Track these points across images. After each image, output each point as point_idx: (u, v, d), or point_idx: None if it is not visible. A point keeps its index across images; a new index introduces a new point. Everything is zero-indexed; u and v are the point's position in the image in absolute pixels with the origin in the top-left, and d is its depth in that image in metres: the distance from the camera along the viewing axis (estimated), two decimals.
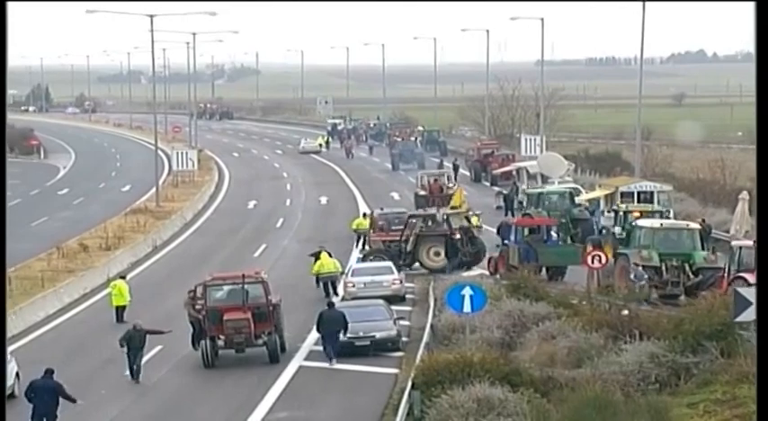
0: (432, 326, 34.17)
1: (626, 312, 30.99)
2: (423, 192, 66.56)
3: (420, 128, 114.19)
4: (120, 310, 40.44)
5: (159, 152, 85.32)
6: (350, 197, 77.07)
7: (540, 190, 58.57)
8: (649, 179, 59.92)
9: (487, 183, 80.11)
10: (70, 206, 78.13)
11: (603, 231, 48.46)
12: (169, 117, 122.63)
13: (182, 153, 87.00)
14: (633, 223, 42.06)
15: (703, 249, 39.89)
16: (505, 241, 45.82)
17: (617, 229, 45.14)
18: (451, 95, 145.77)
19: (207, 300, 33.20)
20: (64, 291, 44.96)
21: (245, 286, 33.14)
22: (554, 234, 45.69)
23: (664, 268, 39.02)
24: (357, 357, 33.02)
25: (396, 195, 74.62)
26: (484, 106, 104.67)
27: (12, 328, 39.22)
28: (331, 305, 34.17)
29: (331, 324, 32.70)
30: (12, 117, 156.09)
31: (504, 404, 24.38)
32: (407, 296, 42.09)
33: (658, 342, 27.96)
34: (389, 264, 43.66)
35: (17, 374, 30.87)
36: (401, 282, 41.79)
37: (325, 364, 32.96)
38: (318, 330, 33.10)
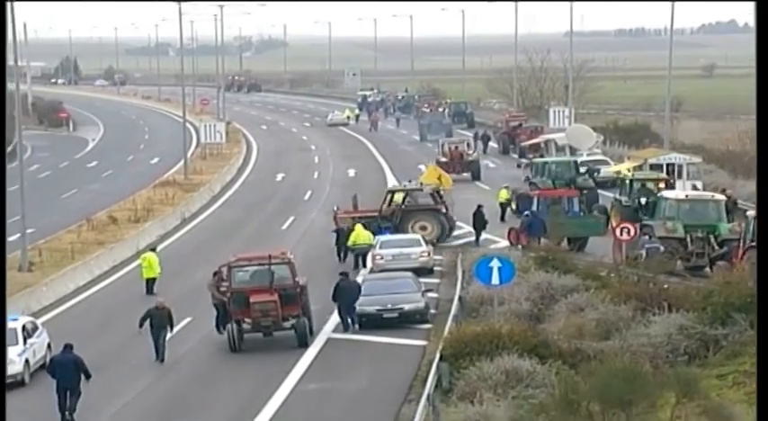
0: (460, 298, 34.21)
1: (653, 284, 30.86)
2: (444, 159, 68.61)
3: (448, 100, 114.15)
4: (150, 283, 40.70)
5: (187, 125, 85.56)
6: (378, 169, 77.08)
7: (545, 159, 59.11)
8: (678, 151, 59.70)
9: (515, 156, 79.95)
10: (99, 178, 78.48)
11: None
12: (197, 89, 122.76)
13: (210, 125, 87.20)
14: (658, 195, 42.24)
15: (728, 221, 39.86)
16: (526, 212, 45.80)
17: (623, 198, 45.70)
18: (480, 67, 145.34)
19: (231, 281, 32.24)
20: (94, 263, 45.23)
21: (271, 267, 32.19)
22: (576, 205, 45.64)
23: (689, 239, 39.04)
24: (385, 329, 33.15)
25: (423, 168, 74.55)
26: (512, 78, 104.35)
27: (42, 300, 39.58)
28: (345, 275, 34.88)
29: (347, 294, 33.36)
30: (41, 89, 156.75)
31: (532, 376, 24.46)
32: (435, 268, 42.14)
33: (687, 314, 27.95)
34: (418, 236, 43.70)
35: (49, 345, 31.17)
36: (429, 254, 41.83)
37: (353, 336, 33.11)
38: (334, 300, 33.67)
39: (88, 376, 26.50)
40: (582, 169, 56.59)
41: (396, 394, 27.00)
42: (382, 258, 41.05)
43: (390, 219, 46.36)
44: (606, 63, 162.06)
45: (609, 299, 30.57)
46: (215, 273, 33.39)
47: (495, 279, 29.55)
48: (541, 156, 66.85)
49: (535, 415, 19.33)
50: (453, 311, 32.61)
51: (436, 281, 40.17)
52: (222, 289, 32.58)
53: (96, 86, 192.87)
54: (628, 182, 47.31)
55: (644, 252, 37.73)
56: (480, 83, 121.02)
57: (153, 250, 42.66)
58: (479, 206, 48.39)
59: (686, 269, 38.01)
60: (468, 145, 72.70)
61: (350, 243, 42.91)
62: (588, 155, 64.53)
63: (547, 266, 35.39)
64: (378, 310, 33.71)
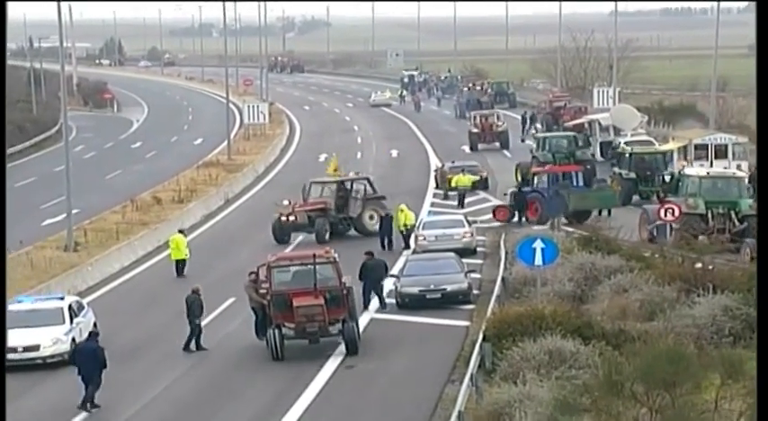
0: (503, 278, 34.20)
1: (699, 265, 30.82)
2: (475, 130, 74.15)
3: (490, 80, 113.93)
4: (179, 264, 40.55)
5: (230, 105, 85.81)
6: (421, 150, 77.04)
7: (546, 134, 62.89)
8: (724, 131, 59.26)
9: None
10: (143, 159, 78.94)
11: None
12: (240, 70, 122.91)
13: (253, 106, 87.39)
14: (681, 172, 43.25)
15: (750, 197, 40.25)
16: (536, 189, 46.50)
17: (623, 171, 49.68)
18: (523, 47, 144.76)
19: (272, 283, 29.37)
20: (138, 243, 45.53)
21: (315, 267, 29.28)
22: (581, 179, 46.21)
23: (710, 216, 39.67)
24: (428, 310, 33.20)
25: (467, 148, 74.44)
26: (556, 58, 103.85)
27: (88, 280, 39.92)
28: (371, 254, 34.96)
29: (373, 272, 33.88)
30: (86, 70, 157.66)
31: (575, 356, 24.42)
32: (478, 249, 42.12)
33: (732, 295, 27.82)
34: (461, 217, 43.68)
35: (95, 324, 31.42)
36: (472, 234, 41.81)
37: (396, 316, 33.18)
38: (361, 278, 33.74)
39: (104, 366, 25.87)
40: (580, 143, 59.37)
41: (439, 374, 27.05)
42: (425, 239, 41.07)
43: (342, 210, 45.68)
44: (651, 42, 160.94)
45: (653, 280, 30.48)
46: (251, 273, 30.90)
47: (539, 260, 29.50)
48: (586, 136, 66.67)
49: (578, 395, 19.28)
50: (496, 292, 32.61)
51: (479, 261, 40.16)
52: (261, 291, 30.00)
53: (140, 67, 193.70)
54: (627, 155, 50.80)
55: (654, 229, 38.55)
56: (524, 63, 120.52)
57: (181, 232, 42.39)
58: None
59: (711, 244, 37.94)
60: (498, 116, 76.63)
61: (400, 224, 43.04)
62: (632, 135, 64.19)
63: (590, 247, 35.29)
64: (421, 291, 33.75)
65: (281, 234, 45.31)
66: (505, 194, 49.13)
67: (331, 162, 53.70)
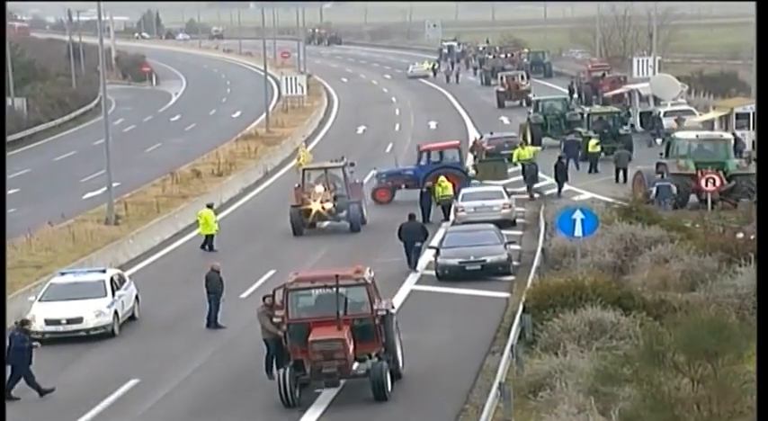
0: (543, 250, 34.17)
1: (741, 235, 30.69)
2: (502, 89, 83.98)
3: (526, 50, 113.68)
4: (208, 239, 40.28)
5: (268, 78, 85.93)
6: (459, 121, 76.94)
7: (539, 97, 68.19)
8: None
9: (598, 106, 79.36)
10: (182, 132, 79.26)
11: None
12: (278, 43, 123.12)
13: (291, 79, 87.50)
14: (671, 136, 46.35)
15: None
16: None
17: (583, 130, 55.29)
18: (562, 17, 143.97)
19: (289, 309, 23.91)
20: (178, 216, 45.78)
21: (341, 290, 23.76)
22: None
23: (700, 175, 41.75)
24: (468, 281, 33.25)
25: (505, 119, 74.29)
26: (595, 27, 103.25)
27: (129, 252, 40.22)
28: (412, 217, 36.33)
29: (411, 234, 35.12)
30: (124, 44, 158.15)
31: (616, 327, 24.42)
32: (518, 220, 42.09)
33: None
34: (500, 188, 43.66)
35: (137, 297, 31.69)
36: (512, 206, 41.78)
37: (436, 288, 33.27)
38: (400, 238, 35.29)
39: (30, 361, 24.97)
40: (574, 107, 65.28)
41: (479, 345, 27.11)
42: (464, 210, 41.08)
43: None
44: (691, 11, 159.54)
45: (694, 250, 30.37)
46: (266, 297, 25.71)
47: (579, 231, 29.45)
48: (625, 106, 66.40)
49: (619, 366, 19.29)
50: (536, 263, 32.60)
51: (519, 233, 40.14)
52: (276, 319, 24.57)
53: (178, 40, 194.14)
54: (586, 116, 57.68)
55: (654, 189, 40.92)
56: (563, 32, 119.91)
57: (209, 207, 41.72)
58: (560, 157, 48.35)
59: (701, 202, 40.97)
60: (523, 77, 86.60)
61: (439, 195, 43.05)
62: (672, 105, 63.87)
63: (630, 218, 35.18)
64: (460, 263, 33.81)
65: (302, 226, 41.98)
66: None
67: (303, 153, 52.30)
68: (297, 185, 43.26)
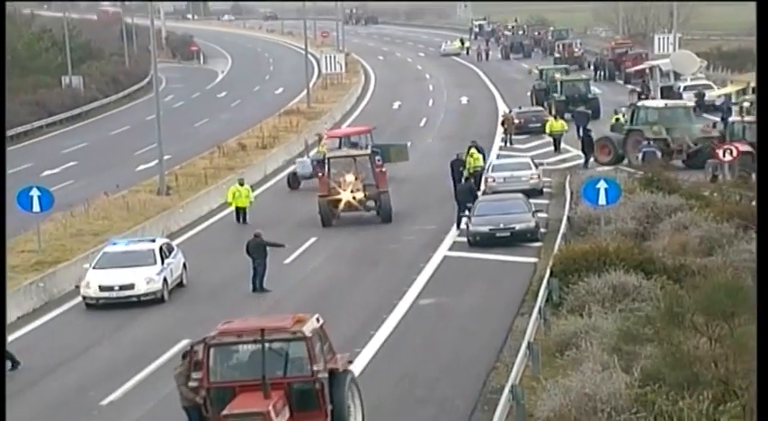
0: (568, 218, 34.16)
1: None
2: (557, 55, 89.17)
3: (551, 28, 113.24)
4: (239, 211, 39.62)
5: (309, 56, 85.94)
6: (489, 97, 76.69)
7: (543, 67, 72.54)
8: None
9: (621, 82, 78.98)
10: (228, 108, 79.44)
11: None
12: (318, 23, 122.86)
13: (330, 57, 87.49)
14: (638, 104, 47.89)
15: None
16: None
17: (556, 95, 60.22)
18: None
19: (209, 371, 17.94)
20: (225, 186, 45.88)
21: (272, 345, 17.92)
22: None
23: (670, 140, 44.01)
24: (498, 247, 33.28)
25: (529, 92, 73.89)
26: (618, 7, 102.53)
27: (180, 221, 40.46)
28: (467, 180, 38.61)
29: (461, 194, 36.93)
30: (173, 25, 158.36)
31: (638, 290, 24.43)
32: (545, 190, 42.05)
33: None
34: (528, 160, 43.62)
35: (184, 265, 31.82)
36: (539, 176, 41.73)
37: (468, 254, 33.33)
38: (456, 198, 36.80)
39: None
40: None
41: (509, 308, 27.18)
42: (494, 181, 41.07)
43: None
44: None
45: (712, 217, 30.30)
46: (185, 354, 18.78)
47: (602, 199, 29.54)
48: (645, 82, 66.09)
49: (641, 326, 19.34)
50: (562, 230, 32.59)
51: (546, 202, 40.11)
52: (192, 383, 18.13)
53: (224, 21, 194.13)
54: (559, 83, 61.86)
55: (640, 155, 42.88)
56: (587, 12, 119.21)
57: (241, 183, 40.27)
58: (587, 130, 48.17)
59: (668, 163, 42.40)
60: (578, 44, 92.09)
61: (470, 166, 42.89)
62: (692, 80, 63.51)
63: (651, 187, 35.14)
64: (491, 230, 33.83)
65: (331, 217, 38.11)
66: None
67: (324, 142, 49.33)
68: (321, 174, 38.69)
